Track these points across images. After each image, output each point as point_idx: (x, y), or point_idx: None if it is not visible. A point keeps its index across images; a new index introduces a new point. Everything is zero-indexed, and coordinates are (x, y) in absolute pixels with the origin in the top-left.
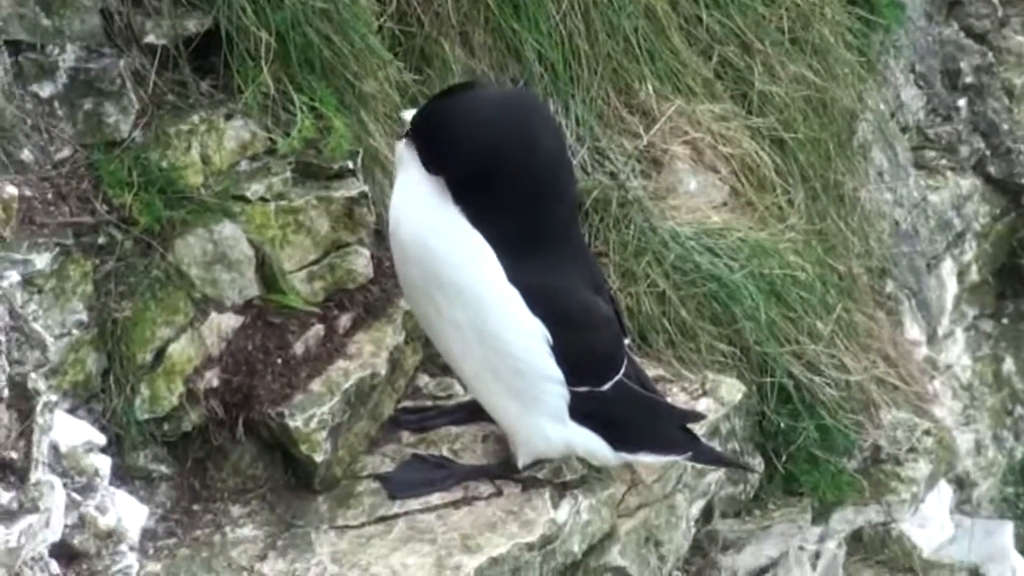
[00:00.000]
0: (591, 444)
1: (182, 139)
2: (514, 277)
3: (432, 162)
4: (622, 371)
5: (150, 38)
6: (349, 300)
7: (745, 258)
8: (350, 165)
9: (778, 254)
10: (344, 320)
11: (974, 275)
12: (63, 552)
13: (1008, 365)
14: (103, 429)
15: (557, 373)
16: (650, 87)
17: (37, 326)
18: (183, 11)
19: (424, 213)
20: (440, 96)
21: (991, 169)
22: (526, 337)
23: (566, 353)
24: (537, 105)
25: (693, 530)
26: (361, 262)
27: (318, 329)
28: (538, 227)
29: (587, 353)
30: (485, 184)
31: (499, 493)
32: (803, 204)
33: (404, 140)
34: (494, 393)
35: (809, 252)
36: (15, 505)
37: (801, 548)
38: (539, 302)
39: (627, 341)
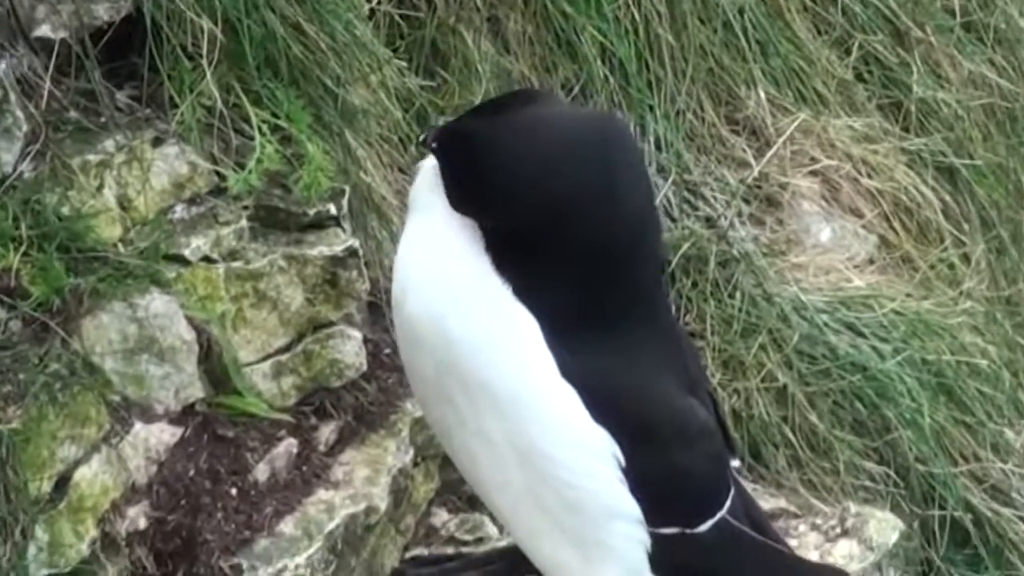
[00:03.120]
0: None
1: (91, 174)
2: (570, 370)
3: (466, 203)
4: (726, 506)
5: (43, 30)
6: (333, 403)
7: (901, 339)
8: (332, 210)
9: (949, 332)
10: (326, 432)
11: None
12: None
13: None
14: None
15: (633, 508)
16: (762, 94)
17: None
18: None
19: (445, 278)
20: (484, 110)
21: None
22: (586, 456)
23: (645, 479)
24: (624, 136)
25: None
26: (350, 349)
27: (289, 445)
28: (611, 301)
29: (676, 479)
30: (542, 241)
31: None
32: (984, 260)
33: (424, 165)
34: (542, 536)
35: (994, 329)
36: None
37: None
38: (605, 406)
39: (734, 462)
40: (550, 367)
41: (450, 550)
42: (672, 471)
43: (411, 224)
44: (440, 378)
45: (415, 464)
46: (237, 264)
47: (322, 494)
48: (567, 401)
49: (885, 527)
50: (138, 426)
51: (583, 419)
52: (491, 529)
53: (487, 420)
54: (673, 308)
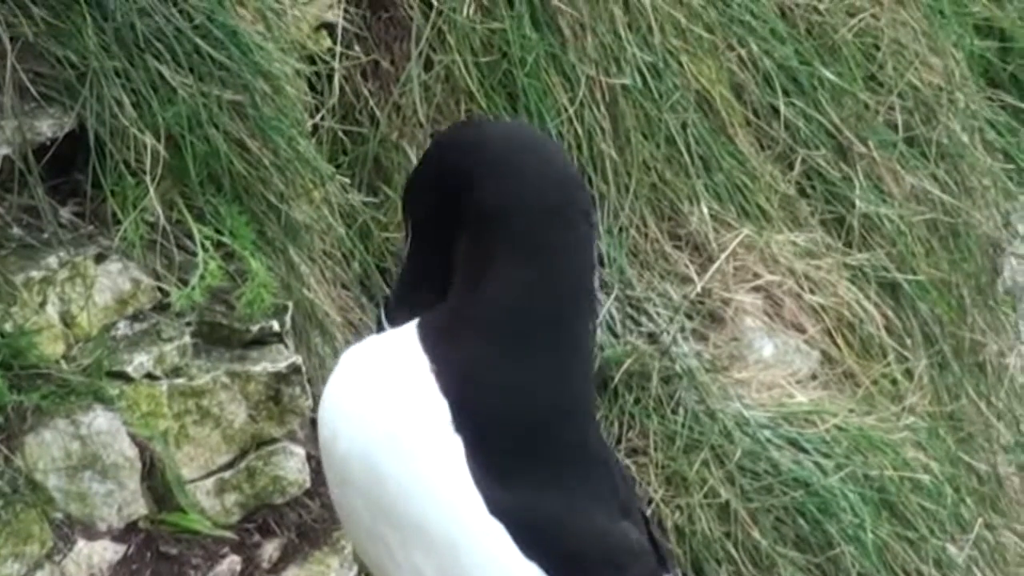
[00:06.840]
0: None
1: (34, 291)
2: (498, 506)
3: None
4: None
5: None
6: (277, 520)
7: (844, 454)
8: (275, 326)
9: (891, 448)
10: (269, 549)
11: None
12: None
13: None
14: None
15: None
16: (705, 209)
17: None
18: (33, 107)
19: (373, 416)
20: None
21: None
22: None
23: None
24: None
25: None
26: (293, 466)
27: (232, 562)
28: (545, 410)
29: None
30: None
31: None
32: (927, 376)
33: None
34: None
35: (936, 445)
36: None
37: None
38: (535, 540)
39: None
40: (477, 504)
41: None
42: None
43: (340, 364)
44: (372, 517)
45: None
46: (180, 381)
47: None
48: (497, 539)
49: None
50: (81, 543)
51: (514, 556)
52: None
53: (418, 558)
54: (602, 426)
